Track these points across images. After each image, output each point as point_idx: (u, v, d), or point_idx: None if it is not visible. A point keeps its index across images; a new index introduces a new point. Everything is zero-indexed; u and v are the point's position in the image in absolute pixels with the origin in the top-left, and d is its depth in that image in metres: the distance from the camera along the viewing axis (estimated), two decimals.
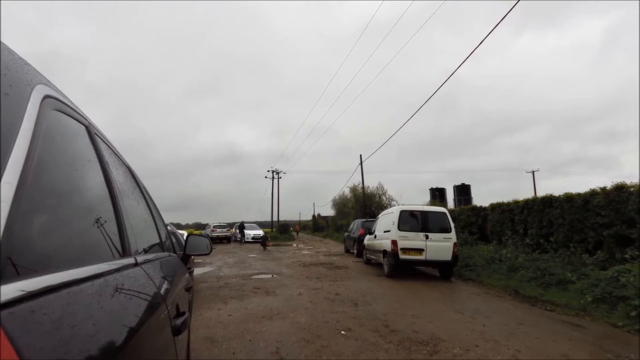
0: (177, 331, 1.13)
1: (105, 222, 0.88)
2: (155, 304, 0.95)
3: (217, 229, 24.90)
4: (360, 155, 26.97)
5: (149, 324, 0.81)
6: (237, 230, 25.11)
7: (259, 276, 9.00)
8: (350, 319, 4.85)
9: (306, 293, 6.66)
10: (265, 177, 39.09)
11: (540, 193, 9.84)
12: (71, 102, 0.88)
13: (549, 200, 8.80)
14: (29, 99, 0.59)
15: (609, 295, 5.59)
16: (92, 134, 0.97)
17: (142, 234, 1.34)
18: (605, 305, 5.46)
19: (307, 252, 17.05)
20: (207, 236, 3.28)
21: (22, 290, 0.42)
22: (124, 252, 0.94)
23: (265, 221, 44.34)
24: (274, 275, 9.13)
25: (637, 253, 6.25)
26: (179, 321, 1.18)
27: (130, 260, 0.93)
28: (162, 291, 1.11)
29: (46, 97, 0.68)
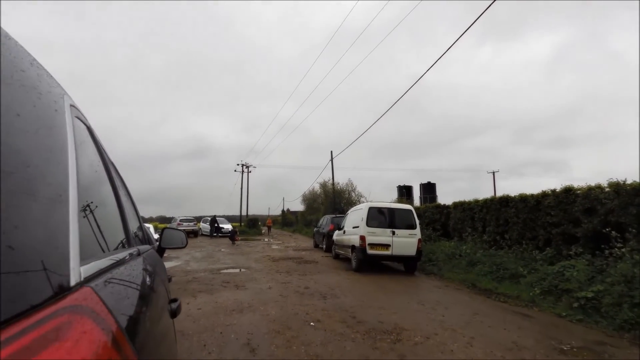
0: (173, 314, 1.24)
1: (116, 217, 0.97)
2: (160, 288, 1.04)
3: (184, 223, 24.41)
4: (331, 152, 27.29)
5: (162, 303, 0.91)
6: (209, 224, 24.96)
7: (228, 270, 8.99)
8: (319, 311, 5.02)
9: (276, 287, 6.77)
10: (235, 170, 38.56)
11: (500, 193, 10.47)
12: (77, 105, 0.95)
13: (505, 200, 9.39)
14: (64, 112, 0.67)
15: (555, 288, 6.12)
16: (93, 134, 1.04)
17: (131, 227, 1.44)
18: (551, 297, 5.98)
19: (277, 247, 17.11)
20: (190, 230, 3.32)
21: (97, 268, 0.54)
22: (129, 243, 1.04)
23: (233, 215, 43.79)
24: (243, 270, 9.15)
25: (581, 250, 6.86)
26: (174, 305, 1.29)
27: (135, 250, 1.02)
28: (161, 278, 1.20)
29: (70, 106, 0.75)
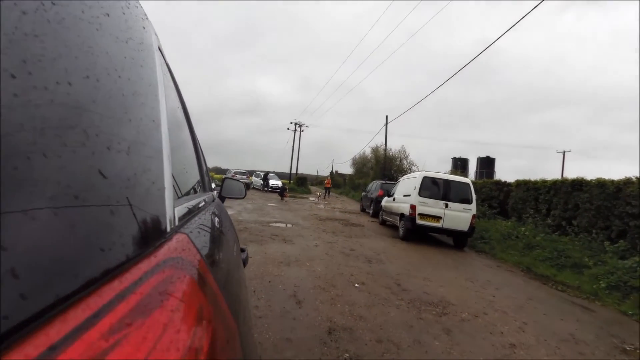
0: (243, 263, 1.24)
1: (193, 160, 0.94)
2: (233, 235, 1.03)
3: (238, 175, 25.71)
4: (386, 117, 26.36)
5: (236, 252, 0.89)
6: (261, 179, 26.55)
7: (277, 224, 9.32)
8: (364, 274, 5.05)
9: (322, 245, 6.90)
10: (288, 129, 39.13)
11: (567, 175, 9.57)
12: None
13: (579, 184, 8.55)
14: (151, 34, 0.60)
15: (623, 284, 5.59)
16: (171, 71, 0.95)
17: (205, 172, 1.42)
18: (618, 293, 5.47)
19: (323, 207, 17.41)
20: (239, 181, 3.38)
21: (184, 212, 0.49)
22: (204, 188, 1.01)
23: (282, 172, 45.06)
24: (290, 225, 9.44)
25: None
26: (243, 255, 1.29)
27: (209, 196, 1.00)
28: (231, 226, 1.20)
29: (154, 33, 0.67)
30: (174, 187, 0.52)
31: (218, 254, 0.57)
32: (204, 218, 0.63)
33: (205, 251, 0.48)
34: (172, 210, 0.44)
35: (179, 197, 0.55)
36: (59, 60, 0.26)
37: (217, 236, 0.66)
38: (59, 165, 0.23)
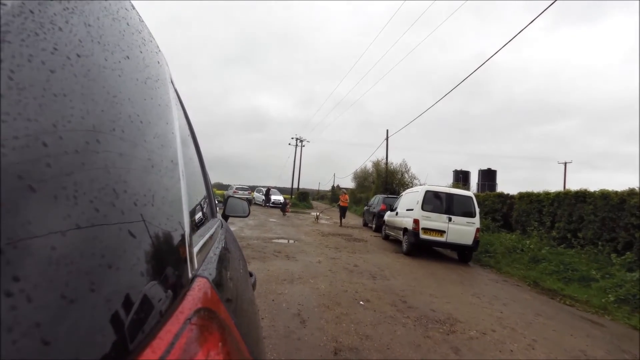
0: (253, 286, 1.21)
1: (201, 183, 0.93)
2: (242, 258, 1.01)
3: (239, 191, 25.80)
4: (387, 131, 26.54)
5: (247, 281, 0.88)
6: (262, 195, 26.69)
7: (279, 240, 9.26)
8: (369, 290, 4.98)
9: (325, 261, 6.84)
10: (289, 144, 39.35)
11: (569, 186, 9.57)
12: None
13: (582, 195, 8.51)
14: (164, 65, 0.60)
15: (632, 297, 5.49)
16: (178, 95, 0.95)
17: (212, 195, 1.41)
18: (627, 306, 5.37)
19: (325, 222, 17.32)
20: (245, 199, 3.35)
21: (198, 248, 0.48)
22: (212, 213, 1.00)
23: (284, 187, 45.09)
24: (294, 241, 9.37)
25: None
26: (252, 280, 1.26)
27: (218, 221, 0.98)
28: (239, 249, 1.18)
29: (166, 63, 0.68)
30: (190, 224, 0.50)
31: (235, 292, 0.55)
32: (217, 251, 0.60)
33: (224, 293, 0.46)
34: (193, 253, 0.42)
35: (194, 233, 0.54)
36: (87, 118, 0.25)
37: (231, 269, 0.64)
38: (91, 232, 0.22)
